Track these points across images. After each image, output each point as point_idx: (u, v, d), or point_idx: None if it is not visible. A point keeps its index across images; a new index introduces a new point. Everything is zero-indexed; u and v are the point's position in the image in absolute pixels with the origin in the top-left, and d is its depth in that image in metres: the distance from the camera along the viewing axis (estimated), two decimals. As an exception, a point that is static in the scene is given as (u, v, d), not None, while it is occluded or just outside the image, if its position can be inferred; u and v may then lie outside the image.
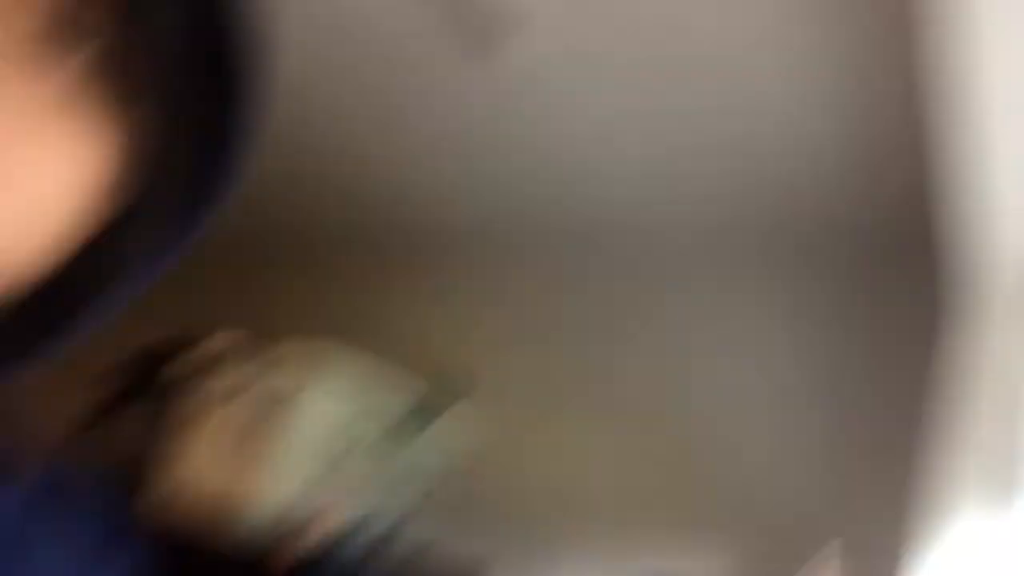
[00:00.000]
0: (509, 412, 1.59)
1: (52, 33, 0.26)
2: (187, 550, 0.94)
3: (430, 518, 1.31)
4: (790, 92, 1.15)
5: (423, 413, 1.23)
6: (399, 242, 1.87)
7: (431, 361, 1.55)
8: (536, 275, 1.72)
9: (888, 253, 1.38)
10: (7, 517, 0.37)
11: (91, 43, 0.27)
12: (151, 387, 1.07)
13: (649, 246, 1.58)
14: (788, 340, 1.41)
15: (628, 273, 1.65)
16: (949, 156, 0.86)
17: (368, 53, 1.25)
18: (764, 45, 1.07)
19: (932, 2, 0.73)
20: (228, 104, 0.33)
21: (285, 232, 2.06)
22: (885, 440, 1.28)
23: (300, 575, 1.01)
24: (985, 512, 0.89)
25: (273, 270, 2.27)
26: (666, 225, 1.52)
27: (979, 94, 0.76)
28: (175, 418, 1.11)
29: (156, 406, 1.06)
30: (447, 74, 1.26)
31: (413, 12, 1.12)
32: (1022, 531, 0.88)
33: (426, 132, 1.44)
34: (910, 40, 0.87)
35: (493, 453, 1.51)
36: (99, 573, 0.37)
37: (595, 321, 1.64)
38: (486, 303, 1.81)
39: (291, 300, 2.18)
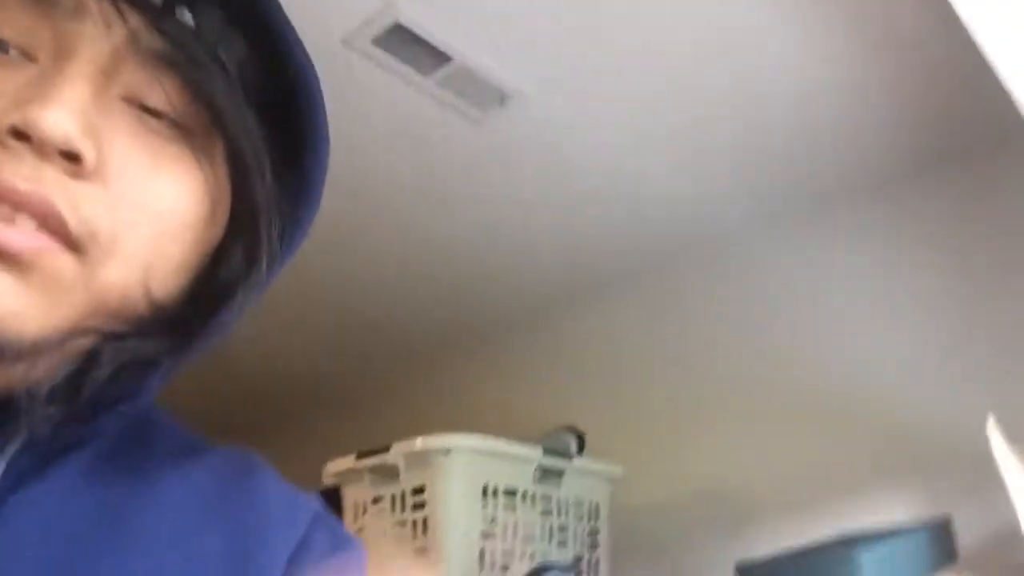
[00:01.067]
0: (654, 438, 1.58)
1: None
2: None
3: (609, 556, 1.29)
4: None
5: (557, 459, 1.22)
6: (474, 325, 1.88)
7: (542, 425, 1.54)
8: (627, 314, 1.72)
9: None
10: None
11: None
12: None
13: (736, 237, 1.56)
14: (902, 271, 1.37)
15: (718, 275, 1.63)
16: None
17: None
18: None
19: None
20: (303, 144, 0.41)
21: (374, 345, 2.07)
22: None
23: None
24: None
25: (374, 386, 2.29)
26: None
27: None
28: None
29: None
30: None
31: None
32: None
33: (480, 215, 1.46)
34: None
35: (646, 481, 1.49)
36: None
37: (701, 335, 1.61)
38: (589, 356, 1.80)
39: (390, 411, 2.20)
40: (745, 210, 1.49)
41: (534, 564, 1.11)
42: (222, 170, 0.38)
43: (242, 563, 0.36)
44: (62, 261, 0.32)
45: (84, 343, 0.34)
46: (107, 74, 0.34)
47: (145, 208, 0.35)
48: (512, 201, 1.43)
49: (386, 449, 1.16)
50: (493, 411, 1.89)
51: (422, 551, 1.10)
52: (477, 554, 1.09)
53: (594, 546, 1.25)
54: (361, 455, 1.19)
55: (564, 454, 1.24)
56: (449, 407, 2.01)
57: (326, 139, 0.42)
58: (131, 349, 0.35)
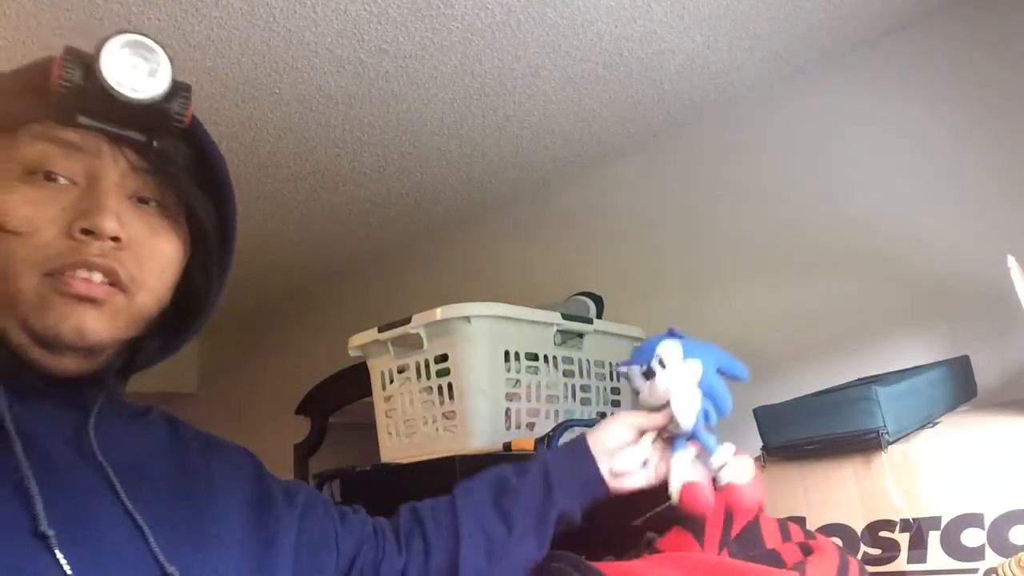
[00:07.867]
0: (670, 297, 1.58)
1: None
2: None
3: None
4: None
5: (577, 323, 1.23)
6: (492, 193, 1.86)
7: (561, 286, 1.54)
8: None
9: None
10: None
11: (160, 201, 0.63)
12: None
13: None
14: (917, 118, 1.33)
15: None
16: None
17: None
18: None
19: None
20: (223, 209, 0.68)
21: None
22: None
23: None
24: None
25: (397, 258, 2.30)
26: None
27: None
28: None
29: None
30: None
31: None
32: None
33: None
34: None
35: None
36: None
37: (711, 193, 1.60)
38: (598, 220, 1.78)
39: (407, 285, 2.22)
40: (756, 67, 1.44)
41: (558, 421, 1.14)
42: (186, 227, 0.65)
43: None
44: (118, 298, 0.59)
45: (125, 343, 0.63)
46: (120, 187, 0.60)
47: (152, 260, 0.61)
48: (521, 68, 1.39)
49: (407, 320, 1.17)
50: (510, 281, 1.90)
51: (450, 414, 1.13)
52: (503, 414, 1.12)
53: (616, 403, 1.28)
54: (383, 328, 1.21)
55: (583, 318, 1.25)
56: (466, 279, 2.03)
57: (233, 198, 0.68)
58: (154, 344, 0.65)
